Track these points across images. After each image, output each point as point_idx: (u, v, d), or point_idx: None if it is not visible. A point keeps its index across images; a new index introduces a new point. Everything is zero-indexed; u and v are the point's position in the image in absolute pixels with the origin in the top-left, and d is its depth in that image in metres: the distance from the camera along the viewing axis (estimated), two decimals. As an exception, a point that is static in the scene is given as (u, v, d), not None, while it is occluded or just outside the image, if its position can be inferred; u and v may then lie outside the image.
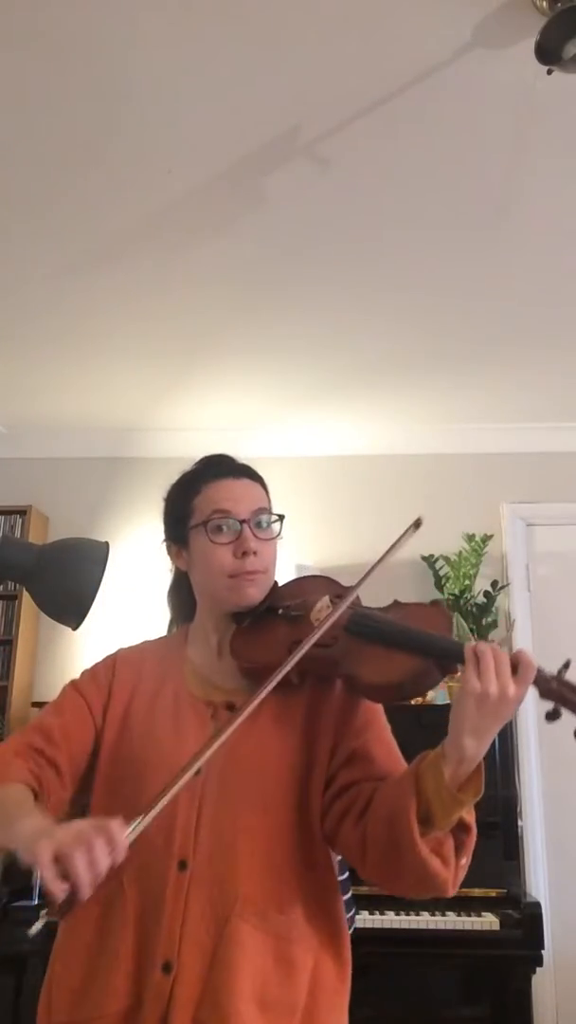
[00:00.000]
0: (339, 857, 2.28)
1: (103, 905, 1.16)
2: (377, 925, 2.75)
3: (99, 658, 1.38)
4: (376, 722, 1.28)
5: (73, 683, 1.34)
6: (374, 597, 1.32)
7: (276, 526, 1.32)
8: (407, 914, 2.79)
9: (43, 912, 0.95)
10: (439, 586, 3.58)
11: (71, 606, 1.70)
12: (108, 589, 1.71)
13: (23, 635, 3.68)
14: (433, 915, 2.79)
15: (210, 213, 2.36)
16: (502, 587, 3.61)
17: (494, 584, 3.56)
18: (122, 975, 1.12)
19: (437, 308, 2.87)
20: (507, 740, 3.19)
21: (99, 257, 2.58)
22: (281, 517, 1.32)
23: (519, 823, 3.25)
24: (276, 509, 1.34)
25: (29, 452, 4.03)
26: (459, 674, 1.13)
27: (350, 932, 2.28)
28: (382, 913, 2.79)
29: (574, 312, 2.89)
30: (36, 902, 2.81)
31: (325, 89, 1.91)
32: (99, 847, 0.92)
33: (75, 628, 1.69)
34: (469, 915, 2.79)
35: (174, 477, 1.38)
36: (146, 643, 1.41)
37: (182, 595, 1.40)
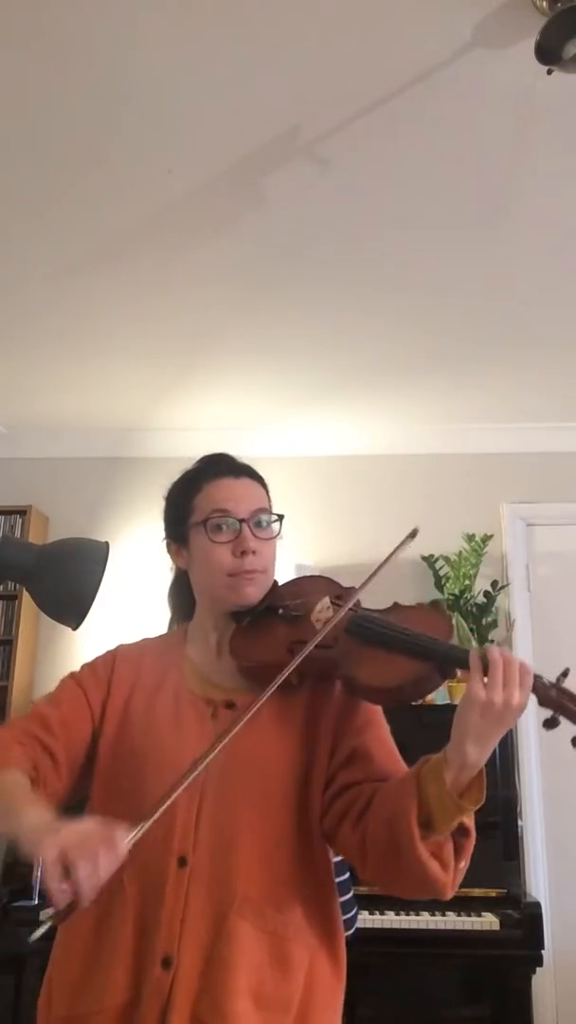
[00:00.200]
0: (340, 857, 2.28)
1: (103, 901, 1.16)
2: (377, 925, 2.75)
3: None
4: (376, 722, 1.29)
5: (72, 675, 1.34)
6: (374, 597, 1.32)
7: (275, 526, 1.32)
8: (407, 914, 2.79)
9: (44, 917, 0.96)
10: (439, 586, 3.58)
11: (71, 606, 1.70)
12: (108, 589, 1.71)
13: (23, 635, 3.68)
14: (433, 915, 2.79)
15: (210, 213, 2.36)
16: (502, 587, 3.61)
17: (494, 584, 3.56)
18: (122, 970, 1.13)
19: (437, 308, 2.87)
20: (507, 741, 3.20)
21: (99, 257, 2.58)
22: (280, 517, 1.33)
23: (519, 823, 3.25)
24: (276, 509, 1.35)
25: (29, 452, 4.03)
26: (460, 674, 1.13)
27: (352, 932, 2.31)
28: (382, 913, 2.79)
29: (574, 312, 2.89)
30: (36, 902, 2.80)
31: (325, 89, 1.91)
32: (103, 855, 0.93)
33: (75, 628, 1.69)
34: (469, 915, 2.79)
35: (174, 477, 1.39)
36: (145, 640, 1.41)
37: (182, 594, 1.40)
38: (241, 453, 1.41)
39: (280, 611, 1.29)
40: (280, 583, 1.35)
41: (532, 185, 2.23)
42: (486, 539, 3.67)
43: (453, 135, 2.04)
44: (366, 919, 2.71)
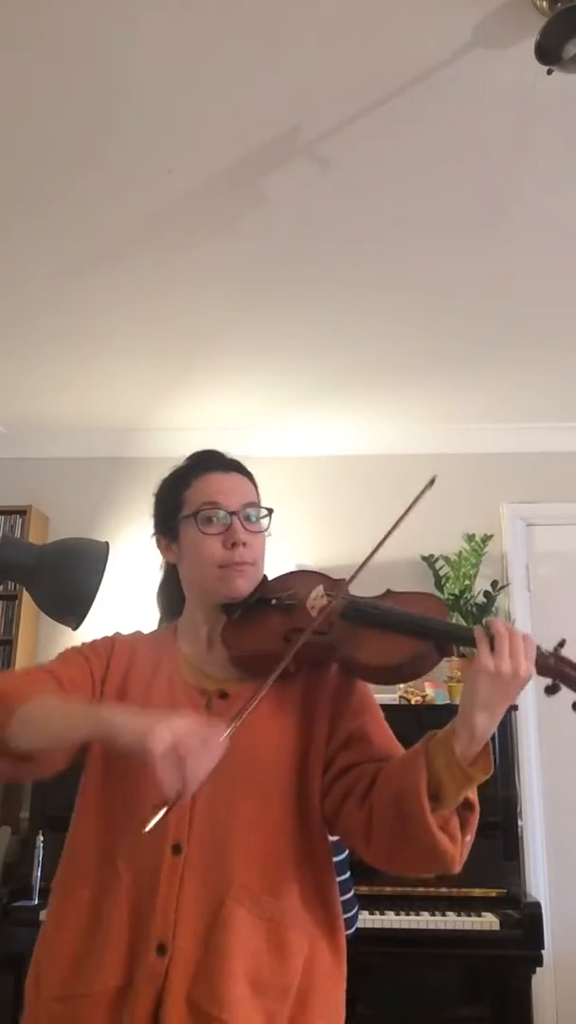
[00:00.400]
0: (340, 857, 2.29)
1: (98, 886, 1.18)
2: (377, 925, 2.75)
3: None
4: (372, 706, 1.31)
5: (74, 648, 1.36)
6: (369, 590, 1.33)
7: (265, 520, 1.34)
8: (407, 914, 2.79)
9: (155, 810, 1.02)
10: (439, 586, 3.58)
11: (71, 606, 1.70)
12: (108, 589, 1.71)
13: (23, 635, 3.68)
14: (433, 915, 2.79)
15: (210, 213, 2.36)
16: (502, 587, 3.61)
17: (494, 584, 3.56)
18: (116, 955, 1.13)
19: (437, 308, 2.87)
20: (507, 740, 3.20)
21: (99, 257, 2.58)
22: (270, 511, 1.34)
23: (519, 823, 3.25)
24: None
25: (29, 452, 4.03)
26: (454, 659, 1.16)
27: (352, 931, 2.31)
28: (382, 913, 2.79)
29: (574, 312, 2.89)
30: (36, 902, 2.80)
31: (325, 89, 1.91)
32: (206, 750, 1.01)
33: (75, 628, 1.69)
34: (469, 915, 2.79)
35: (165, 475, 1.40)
36: (138, 633, 1.42)
37: (171, 591, 1.42)
38: (241, 453, 1.41)
39: (273, 602, 1.30)
40: (268, 578, 1.36)
41: (532, 185, 2.23)
42: (486, 539, 3.67)
43: (453, 135, 2.04)
44: (366, 919, 2.71)
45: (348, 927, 2.26)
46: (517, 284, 2.71)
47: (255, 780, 1.21)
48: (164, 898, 1.14)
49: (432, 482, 1.36)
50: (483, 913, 2.81)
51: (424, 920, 2.77)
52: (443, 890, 2.88)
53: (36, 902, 2.80)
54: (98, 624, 1.70)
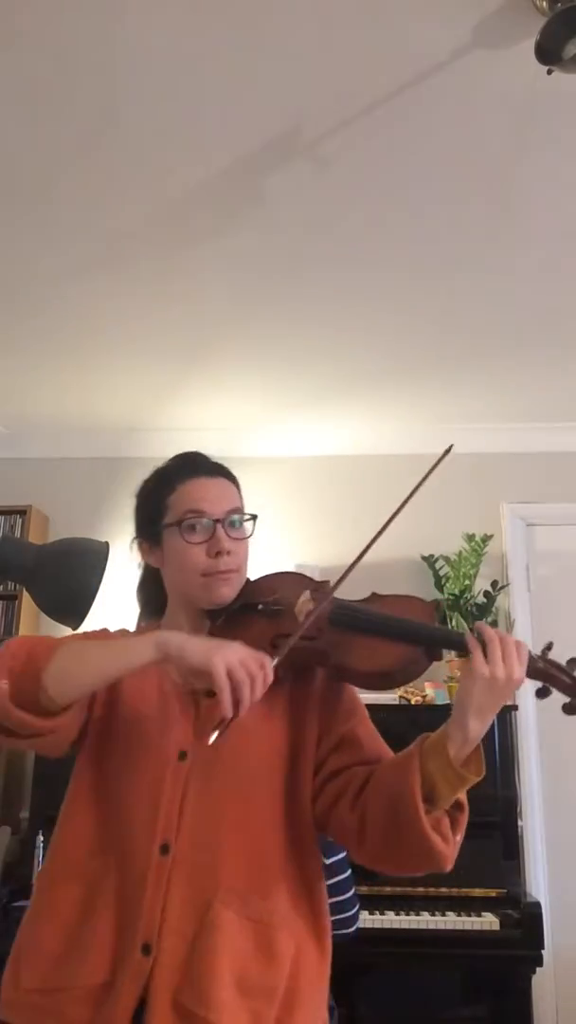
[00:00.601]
0: (340, 856, 2.28)
1: (86, 883, 1.18)
2: (377, 925, 2.75)
3: None
4: (360, 709, 1.32)
5: (67, 636, 1.35)
6: (359, 591, 1.33)
7: (249, 525, 1.34)
8: (407, 914, 2.79)
9: (216, 725, 1.09)
10: (439, 586, 3.58)
11: (71, 606, 1.70)
12: (108, 589, 1.71)
13: (23, 635, 3.68)
14: (433, 915, 2.79)
15: (210, 213, 2.36)
16: (502, 587, 3.61)
17: (494, 584, 3.56)
18: (101, 951, 1.13)
19: (437, 308, 2.87)
20: (507, 740, 3.19)
21: (99, 257, 2.58)
22: (254, 517, 1.34)
23: (519, 823, 3.25)
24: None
25: (29, 452, 4.03)
26: (454, 659, 1.16)
27: (353, 930, 2.30)
28: (382, 913, 2.78)
29: (574, 312, 2.89)
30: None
31: (325, 89, 1.91)
32: (260, 675, 1.08)
33: (75, 628, 1.69)
34: (469, 915, 2.79)
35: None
36: (124, 631, 1.42)
37: (151, 591, 1.41)
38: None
39: (260, 607, 1.30)
40: (250, 579, 1.36)
41: (532, 185, 2.23)
42: (486, 539, 3.66)
43: (453, 135, 2.04)
44: (366, 919, 2.71)
45: (348, 926, 2.27)
46: (517, 284, 2.71)
47: (244, 782, 1.22)
48: (151, 898, 1.14)
49: (449, 450, 1.37)
50: (483, 913, 2.81)
51: (424, 920, 2.77)
52: (443, 890, 2.88)
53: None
54: (98, 624, 1.70)
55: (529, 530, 3.82)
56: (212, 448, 1.43)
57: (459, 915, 2.79)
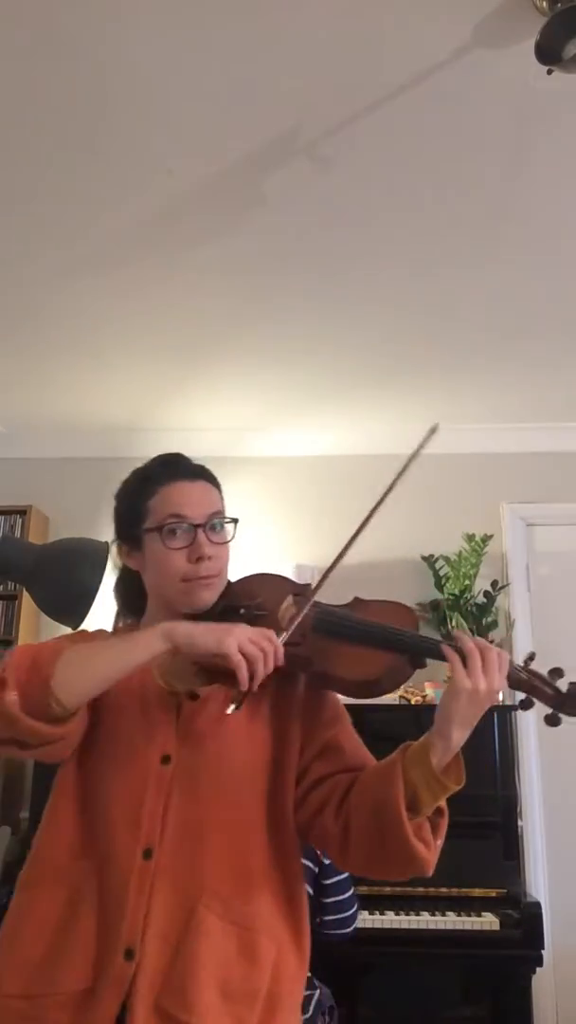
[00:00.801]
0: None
1: (68, 887, 1.18)
2: (377, 925, 2.75)
3: None
4: (343, 716, 1.33)
5: (53, 640, 1.33)
6: (343, 594, 1.33)
7: (230, 529, 1.33)
8: (407, 914, 2.79)
9: (233, 700, 1.14)
10: (439, 586, 3.58)
11: (71, 606, 1.70)
12: (108, 589, 1.71)
13: (23, 635, 3.68)
14: (433, 915, 2.79)
15: (210, 213, 2.36)
16: (502, 587, 3.61)
17: (494, 584, 3.56)
18: (83, 957, 1.13)
19: (437, 308, 2.87)
20: (507, 740, 3.19)
21: (99, 257, 2.58)
22: (235, 520, 1.33)
23: (519, 823, 3.25)
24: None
25: (29, 452, 4.03)
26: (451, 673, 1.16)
27: (351, 930, 2.30)
28: (382, 913, 2.78)
29: (574, 312, 2.89)
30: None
31: (325, 89, 1.91)
32: (271, 651, 1.13)
33: (75, 628, 1.69)
34: (469, 915, 2.79)
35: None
36: (102, 631, 1.41)
37: (129, 591, 1.40)
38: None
39: (241, 611, 1.29)
40: (231, 581, 1.35)
41: (532, 185, 2.23)
42: (486, 539, 3.66)
43: (453, 135, 2.04)
44: (366, 919, 2.71)
45: (346, 927, 2.27)
46: (517, 284, 2.71)
47: (228, 787, 1.22)
48: (134, 903, 1.14)
49: (434, 429, 1.37)
50: (483, 913, 2.80)
51: (424, 920, 2.77)
52: (443, 890, 2.88)
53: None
54: (98, 624, 1.70)
55: (529, 530, 3.82)
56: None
57: (459, 915, 2.79)
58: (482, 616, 3.49)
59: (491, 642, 1.20)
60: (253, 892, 1.19)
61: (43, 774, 3.17)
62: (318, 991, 2.16)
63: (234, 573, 1.38)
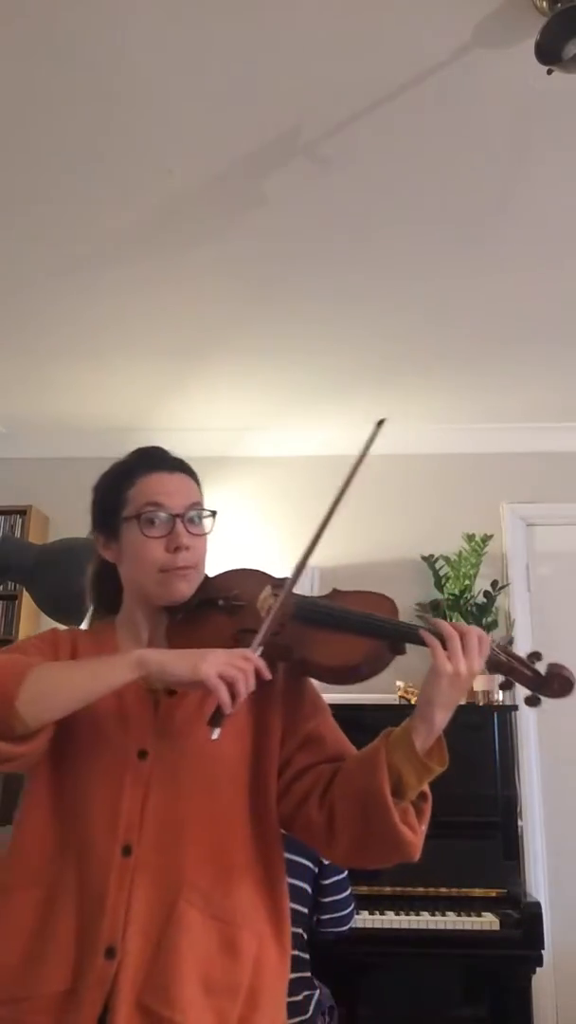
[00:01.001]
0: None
1: (46, 889, 1.16)
2: (377, 925, 2.75)
3: None
4: (323, 707, 1.33)
5: (23, 641, 1.33)
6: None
7: (208, 522, 1.32)
8: (407, 914, 2.79)
9: (217, 720, 1.11)
10: (439, 586, 3.58)
11: (71, 606, 1.70)
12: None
13: (23, 635, 3.68)
14: (433, 915, 2.79)
15: (210, 213, 2.36)
16: (502, 587, 3.61)
17: (494, 584, 3.56)
18: (62, 958, 1.12)
19: (437, 308, 2.87)
20: (507, 740, 3.19)
21: (99, 257, 2.58)
22: (214, 513, 1.33)
23: (519, 823, 3.25)
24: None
25: (29, 452, 4.03)
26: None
27: (346, 929, 2.30)
28: (382, 913, 2.78)
29: (574, 312, 2.89)
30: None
31: (325, 89, 1.91)
32: (251, 666, 1.12)
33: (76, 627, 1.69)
34: (469, 915, 2.79)
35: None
36: (75, 630, 1.40)
37: (104, 586, 1.39)
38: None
39: (220, 603, 1.29)
40: (208, 576, 1.35)
41: (532, 185, 2.23)
42: (486, 539, 3.66)
43: (453, 135, 2.04)
44: (366, 919, 2.71)
45: (343, 925, 2.28)
46: (517, 284, 2.71)
47: (208, 782, 1.21)
48: (114, 901, 1.13)
49: (381, 423, 1.38)
50: (483, 913, 2.80)
51: (424, 920, 2.77)
52: (443, 890, 2.88)
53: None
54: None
55: (529, 530, 3.82)
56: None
57: (459, 915, 2.79)
58: (482, 616, 3.49)
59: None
60: (234, 885, 1.18)
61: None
62: (318, 991, 2.16)
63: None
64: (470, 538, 3.67)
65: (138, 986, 1.09)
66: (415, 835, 1.16)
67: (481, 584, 3.57)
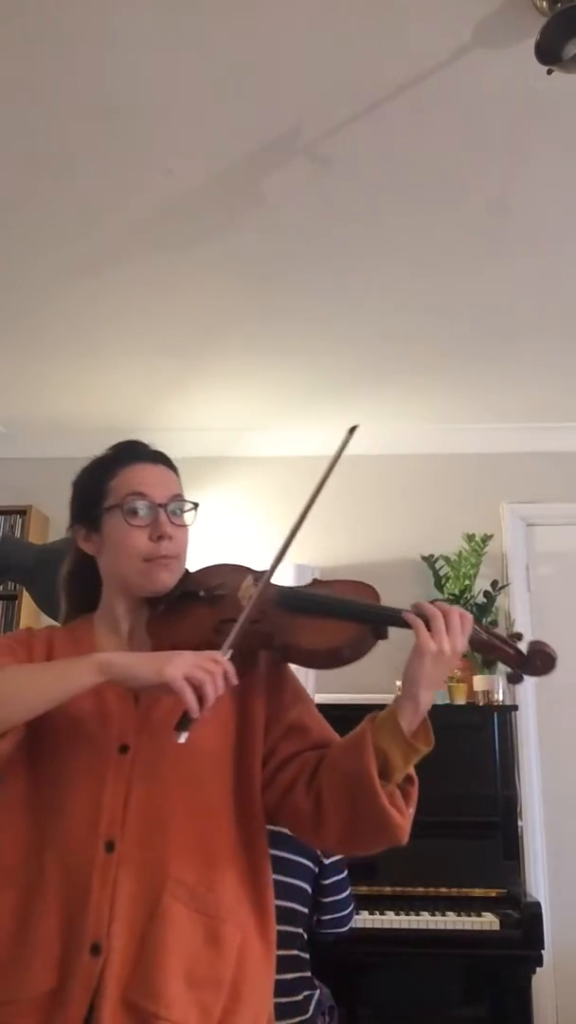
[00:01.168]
0: (337, 857, 2.28)
1: (23, 889, 1.15)
2: (377, 925, 2.75)
3: None
4: (305, 695, 1.33)
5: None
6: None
7: (190, 514, 1.32)
8: (407, 914, 2.79)
9: (185, 724, 1.09)
10: (439, 586, 3.58)
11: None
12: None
13: (23, 635, 3.68)
14: (433, 915, 2.79)
15: (210, 213, 2.36)
16: (502, 587, 3.61)
17: (494, 584, 3.56)
18: (46, 958, 1.10)
19: (437, 308, 2.87)
20: (507, 740, 3.19)
21: (99, 257, 2.58)
22: (196, 505, 1.33)
23: (519, 823, 3.25)
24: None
25: (29, 452, 4.03)
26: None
27: (346, 929, 2.30)
28: (382, 913, 2.78)
29: (574, 312, 2.89)
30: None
31: (325, 89, 1.91)
32: (219, 672, 1.10)
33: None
34: (469, 915, 2.79)
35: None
36: (52, 628, 1.39)
37: (80, 585, 1.38)
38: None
39: (202, 594, 1.30)
40: (189, 571, 1.35)
41: (532, 185, 2.23)
42: (486, 539, 3.66)
43: (453, 135, 2.04)
44: (366, 919, 2.71)
45: (343, 925, 2.28)
46: (517, 284, 2.71)
47: (191, 774, 1.21)
48: (98, 897, 1.12)
49: (353, 430, 1.39)
50: (483, 913, 2.81)
51: (424, 920, 2.77)
52: (443, 890, 2.88)
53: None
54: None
55: (529, 530, 3.82)
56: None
57: (459, 915, 2.79)
58: (482, 616, 3.49)
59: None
60: (218, 878, 1.18)
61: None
62: (318, 991, 2.16)
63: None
64: (470, 538, 3.67)
65: (124, 982, 1.09)
66: (403, 817, 1.16)
67: (481, 584, 3.57)
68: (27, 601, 3.60)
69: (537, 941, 2.78)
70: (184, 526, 1.31)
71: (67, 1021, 1.07)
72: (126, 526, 1.26)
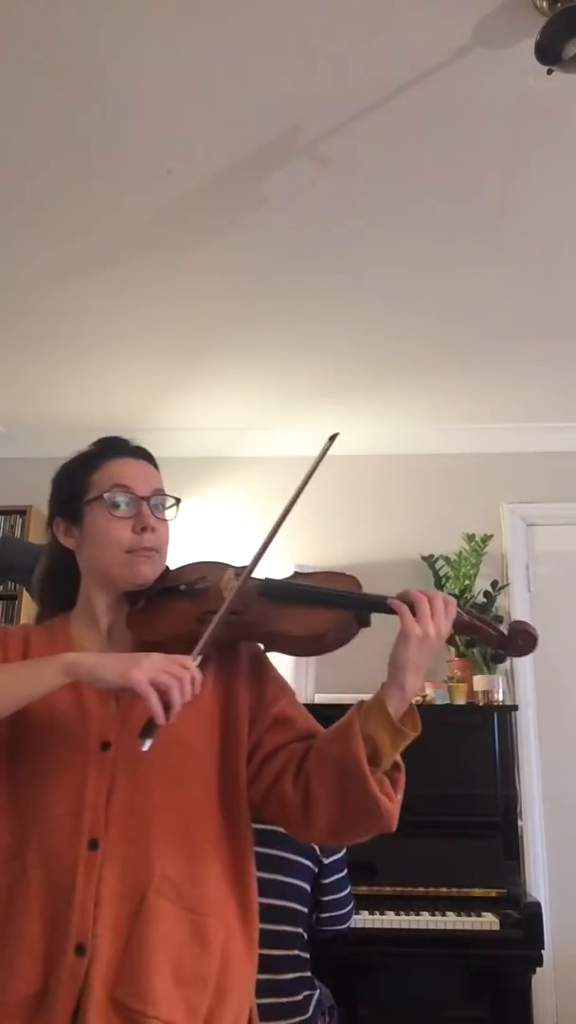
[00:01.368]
0: (338, 856, 2.28)
1: (5, 890, 1.13)
2: (377, 925, 2.74)
3: None
4: (287, 687, 1.34)
5: None
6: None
7: (172, 510, 1.33)
8: (407, 914, 2.79)
9: (151, 729, 1.06)
10: (439, 586, 3.58)
11: (71, 606, 1.69)
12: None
13: (23, 635, 3.68)
14: (433, 915, 2.79)
15: (210, 213, 2.36)
16: (502, 587, 3.61)
17: (494, 584, 3.56)
18: (30, 959, 1.09)
19: (438, 308, 2.87)
20: (507, 740, 3.19)
21: (99, 257, 2.58)
22: (178, 501, 1.34)
23: (519, 823, 3.25)
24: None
25: (29, 452, 4.02)
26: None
27: (344, 927, 2.30)
28: (382, 913, 2.78)
29: (574, 312, 2.89)
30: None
31: (325, 89, 1.91)
32: (188, 675, 1.07)
33: (75, 628, 1.68)
34: (469, 915, 2.79)
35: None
36: (28, 626, 1.38)
37: (58, 582, 1.37)
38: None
39: (182, 587, 1.30)
40: (169, 567, 1.35)
41: (532, 185, 2.23)
42: (486, 539, 3.66)
43: (453, 135, 2.04)
44: (366, 919, 2.71)
45: (342, 923, 2.28)
46: (517, 284, 2.71)
47: (175, 769, 1.20)
48: (82, 896, 1.11)
49: (333, 438, 1.39)
50: (483, 913, 2.80)
51: (424, 920, 2.77)
52: (443, 890, 2.88)
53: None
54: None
55: (529, 530, 3.82)
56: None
57: (459, 915, 2.79)
58: (482, 616, 3.49)
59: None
60: (203, 873, 1.17)
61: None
62: (318, 991, 2.16)
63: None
64: (470, 538, 3.67)
65: (110, 981, 1.08)
66: (392, 803, 1.17)
67: (481, 584, 3.57)
68: (27, 601, 3.60)
69: (537, 941, 2.78)
70: (166, 520, 1.31)
71: (53, 1022, 1.06)
72: (109, 518, 1.26)
